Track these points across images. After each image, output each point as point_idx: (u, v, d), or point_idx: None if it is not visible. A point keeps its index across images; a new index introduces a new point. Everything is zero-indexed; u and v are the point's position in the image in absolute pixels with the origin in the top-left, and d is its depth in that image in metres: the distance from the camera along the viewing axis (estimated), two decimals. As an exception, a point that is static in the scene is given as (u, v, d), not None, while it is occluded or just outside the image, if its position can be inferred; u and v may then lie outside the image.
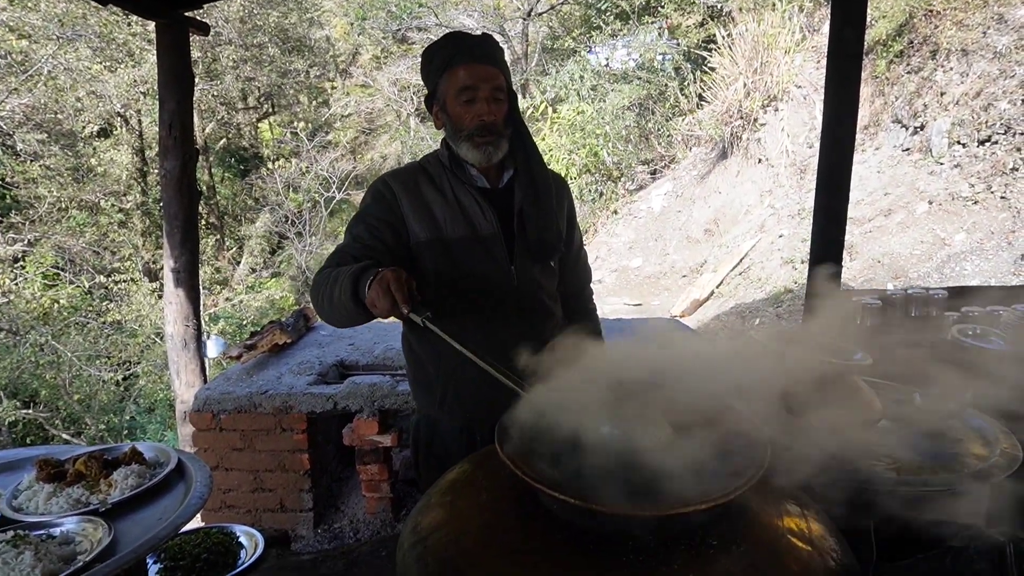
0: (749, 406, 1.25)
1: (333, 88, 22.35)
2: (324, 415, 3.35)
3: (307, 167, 18.20)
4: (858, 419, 1.50)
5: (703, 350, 1.55)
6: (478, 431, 1.89)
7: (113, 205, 14.88)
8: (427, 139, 18.13)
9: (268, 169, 18.15)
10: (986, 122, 6.76)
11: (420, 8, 15.51)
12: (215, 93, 17.21)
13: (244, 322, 12.87)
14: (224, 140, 19.37)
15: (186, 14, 3.70)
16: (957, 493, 1.38)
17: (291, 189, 18.24)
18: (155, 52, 3.70)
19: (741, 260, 8.31)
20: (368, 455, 3.34)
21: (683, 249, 9.79)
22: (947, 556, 1.06)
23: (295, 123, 19.48)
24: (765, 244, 8.25)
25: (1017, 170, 6.28)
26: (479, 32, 1.80)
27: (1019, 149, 6.37)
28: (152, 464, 1.61)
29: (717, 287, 8.22)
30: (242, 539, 1.94)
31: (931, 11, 7.91)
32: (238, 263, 17.66)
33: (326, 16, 21.21)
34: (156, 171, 17.71)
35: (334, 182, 18.21)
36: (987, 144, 6.70)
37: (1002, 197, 6.26)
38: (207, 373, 4.03)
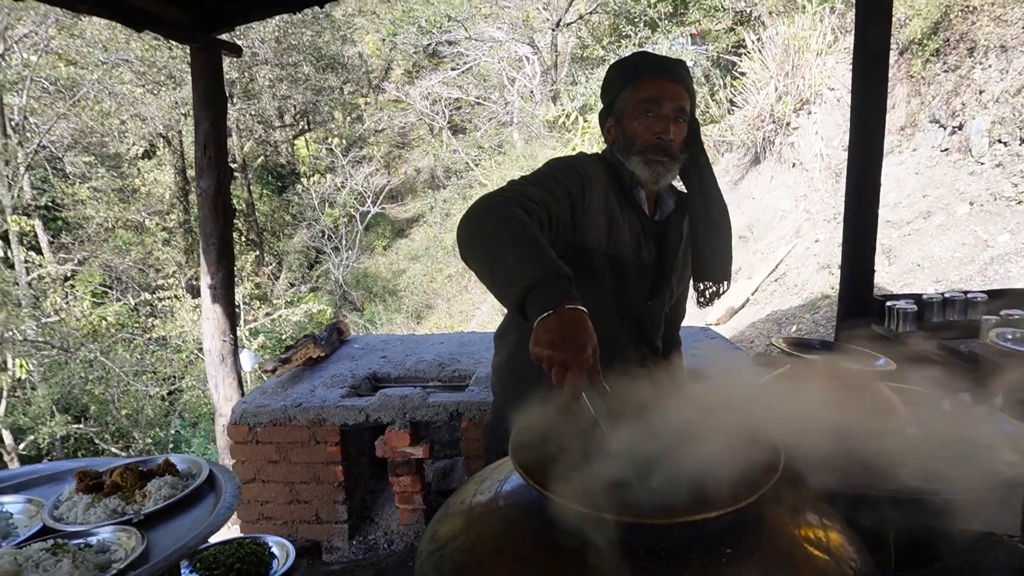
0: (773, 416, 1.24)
1: (367, 104, 22.73)
2: (356, 427, 3.40)
3: (342, 182, 18.53)
4: (881, 426, 1.49)
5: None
6: None
7: (157, 224, 15.33)
8: (460, 151, 18.32)
9: (304, 185, 18.54)
10: (1028, 119, 6.57)
11: (450, 22, 15.69)
12: (253, 112, 17.64)
13: (283, 336, 13.12)
14: (262, 158, 19.83)
15: (219, 37, 3.82)
16: (985, 501, 1.35)
17: (327, 204, 18.58)
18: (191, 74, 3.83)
19: (776, 266, 8.19)
20: (400, 467, 3.38)
21: (717, 256, 9.67)
22: (966, 564, 1.04)
23: (330, 139, 19.88)
24: (800, 250, 8.13)
25: (1062, 168, 6.09)
26: (674, 57, 1.73)
27: (1064, 146, 6.18)
28: (184, 475, 1.66)
29: (752, 294, 8.12)
30: (274, 549, 1.98)
31: (967, 7, 7.73)
32: (277, 278, 18.02)
33: (358, 33, 21.60)
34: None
35: (369, 196, 18.50)
36: (1030, 142, 6.51)
37: (1046, 196, 6.08)
38: (244, 387, 4.12)
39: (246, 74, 16.91)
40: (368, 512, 3.68)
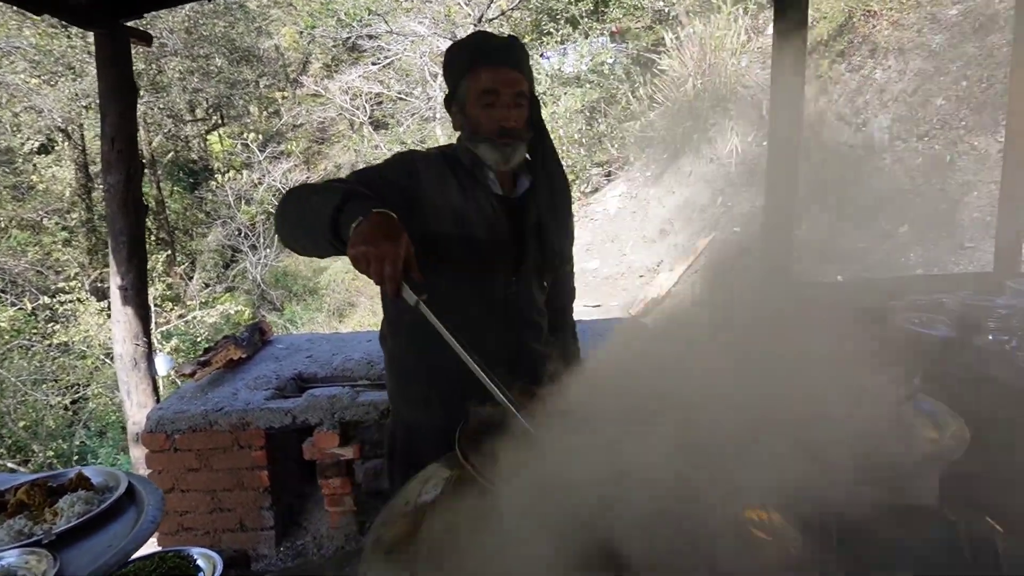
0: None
1: (284, 98, 22.00)
2: (283, 430, 3.28)
3: (259, 179, 17.90)
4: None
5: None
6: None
7: (57, 223, 14.41)
8: (382, 147, 18.00)
9: (219, 182, 17.77)
10: (923, 118, 7.00)
11: (370, 16, 15.38)
12: (161, 106, 16.83)
13: (199, 339, 12.56)
14: (172, 153, 18.96)
15: (126, 24, 3.60)
16: (911, 476, 1.41)
17: (243, 202, 17.90)
18: (95, 64, 3.59)
19: (696, 258, 8.43)
20: (330, 468, 3.29)
21: (639, 249, 9.90)
22: (903, 539, 1.08)
23: (246, 134, 19.14)
24: (719, 242, 8.39)
25: (954, 163, 6.51)
26: (506, 35, 1.75)
27: (955, 144, 6.61)
28: (100, 489, 1.55)
29: (674, 286, 8.33)
30: (200, 562, 1.88)
31: (869, 11, 8.17)
32: (190, 278, 17.25)
33: (274, 25, 20.89)
34: (100, 187, 17.26)
35: (287, 193, 17.92)
36: (925, 139, 6.94)
37: (940, 189, 6.48)
38: (159, 393, 3.91)
39: (154, 66, 16.11)
40: (296, 517, 3.56)
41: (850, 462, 1.46)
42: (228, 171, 18.30)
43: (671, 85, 10.01)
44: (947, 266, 5.57)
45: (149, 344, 3.76)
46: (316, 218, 1.27)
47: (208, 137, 21.50)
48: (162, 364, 3.77)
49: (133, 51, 3.67)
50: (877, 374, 1.81)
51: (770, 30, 9.82)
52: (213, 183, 18.16)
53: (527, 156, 1.76)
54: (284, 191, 1.41)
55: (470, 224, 1.67)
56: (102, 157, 3.64)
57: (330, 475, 3.30)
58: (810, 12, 8.68)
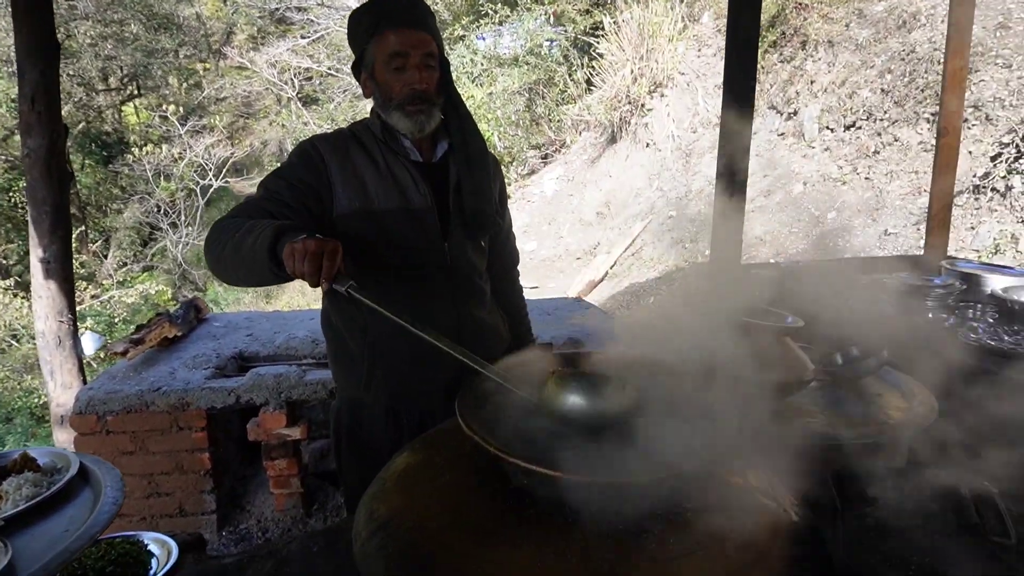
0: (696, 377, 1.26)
1: (206, 70, 21.08)
2: (225, 410, 3.13)
3: (180, 153, 17.11)
4: (794, 381, 1.55)
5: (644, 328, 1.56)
6: (405, 415, 1.80)
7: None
8: (311, 124, 17.48)
9: (135, 156, 16.87)
10: (851, 109, 7.29)
11: (301, -14, 14.84)
12: (71, 72, 15.81)
13: (115, 320, 11.94)
14: (83, 124, 17.84)
15: (45, -24, 3.33)
16: (883, 444, 1.45)
17: (163, 177, 17.08)
18: (9, 18, 3.31)
19: (633, 241, 8.56)
20: (276, 450, 3.16)
21: (576, 232, 9.97)
22: (906, 501, 1.10)
23: (164, 106, 18.21)
24: (655, 225, 8.54)
25: (879, 153, 6.81)
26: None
27: (879, 134, 6.91)
28: (48, 471, 1.42)
29: (611, 268, 8.43)
30: (152, 547, 1.76)
31: (800, 4, 8.42)
32: (105, 257, 16.35)
33: (195, -8, 19.94)
34: (3, 157, 16.09)
35: (211, 169, 17.22)
36: (852, 129, 7.23)
37: (866, 178, 6.77)
38: (85, 373, 3.67)
39: (62, 29, 15.06)
40: (238, 500, 3.42)
41: (827, 430, 1.50)
42: (145, 144, 17.41)
43: (609, 69, 10.07)
44: (873, 251, 5.83)
45: (74, 321, 3.52)
46: (254, 258, 1.31)
47: (123, 108, 20.35)
48: (89, 343, 3.54)
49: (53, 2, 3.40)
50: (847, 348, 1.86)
51: (705, 18, 10.01)
52: (129, 157, 17.24)
53: (443, 119, 1.73)
54: (210, 225, 1.46)
55: (390, 196, 1.65)
56: (20, 119, 3.36)
57: (276, 456, 3.18)
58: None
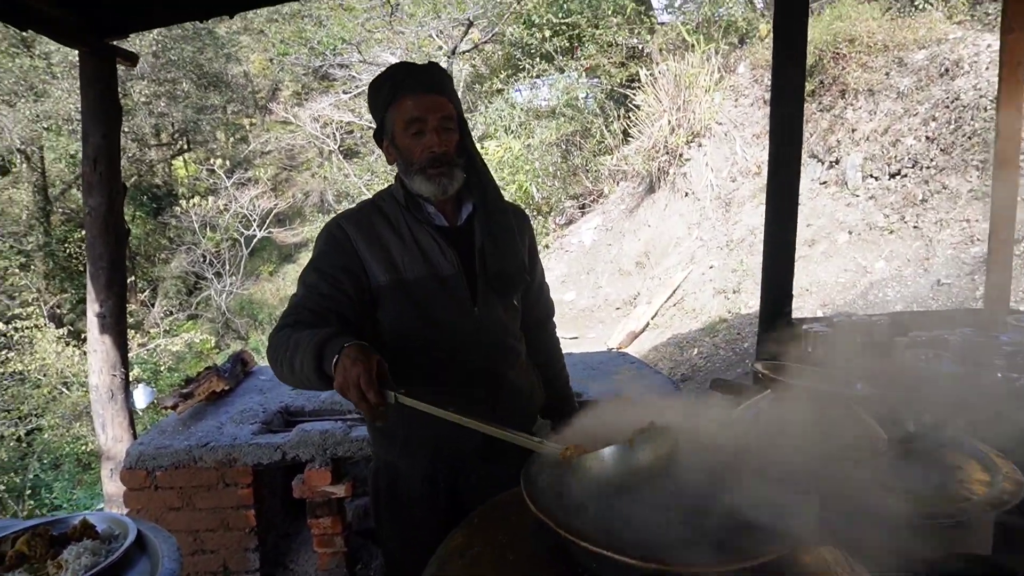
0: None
1: (252, 125, 21.85)
2: (271, 466, 3.13)
3: (225, 205, 17.62)
4: (867, 452, 1.48)
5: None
6: (441, 479, 1.80)
7: (12, 247, 13.92)
8: (351, 176, 17.91)
9: (183, 208, 17.43)
10: (895, 156, 7.19)
11: (343, 45, 15.38)
12: (126, 129, 16.50)
13: (161, 367, 12.17)
14: (135, 177, 18.56)
15: (112, 43, 3.49)
16: (968, 524, 1.37)
17: (208, 228, 17.58)
18: (78, 83, 3.46)
19: (674, 291, 8.48)
20: (321, 507, 3.13)
21: (615, 282, 9.92)
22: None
23: (212, 160, 18.87)
24: (696, 275, 8.46)
25: (927, 201, 6.68)
26: (425, 62, 1.74)
27: (926, 182, 6.79)
28: (106, 538, 1.42)
29: (652, 318, 8.34)
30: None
31: (838, 54, 8.41)
32: (152, 306, 16.77)
33: (243, 52, 20.78)
34: (60, 210, 16.76)
35: (254, 220, 17.67)
36: (897, 177, 7.12)
37: (915, 227, 6.64)
38: (135, 426, 3.72)
39: (120, 88, 15.80)
40: (282, 558, 3.39)
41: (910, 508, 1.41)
42: (193, 196, 17.98)
43: (646, 120, 10.15)
44: (926, 302, 5.67)
45: (127, 375, 3.58)
46: (310, 383, 1.37)
47: (173, 162, 21.14)
48: (141, 397, 3.59)
49: (117, 70, 3.55)
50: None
51: (741, 69, 10.07)
52: (177, 208, 17.81)
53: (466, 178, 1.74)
54: (271, 332, 1.55)
55: (416, 265, 1.67)
56: (83, 179, 3.49)
57: (320, 514, 3.15)
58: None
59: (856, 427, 1.50)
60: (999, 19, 7.77)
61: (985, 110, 6.50)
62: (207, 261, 17.18)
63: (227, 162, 18.89)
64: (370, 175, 17.63)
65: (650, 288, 9.01)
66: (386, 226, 1.69)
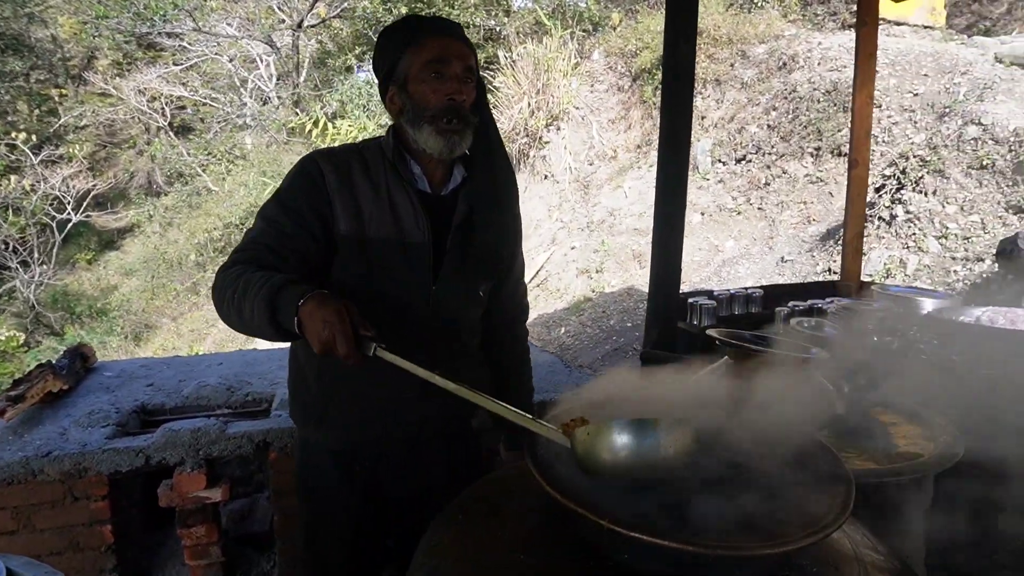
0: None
1: (63, 96, 19.42)
2: (131, 474, 2.72)
3: (32, 185, 15.61)
4: (827, 413, 1.49)
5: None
6: (358, 460, 1.63)
7: None
8: (185, 154, 16.50)
9: (-24, 187, 15.23)
10: (741, 143, 7.70)
11: (175, 11, 14.04)
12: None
13: (-46, 372, 10.57)
14: (-89, 151, 15.94)
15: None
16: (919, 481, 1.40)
17: (11, 210, 15.48)
18: None
19: (537, 272, 8.56)
20: (193, 515, 2.77)
21: (478, 264, 9.88)
22: None
23: (13, 134, 16.59)
24: (559, 256, 8.60)
25: (769, 184, 7.20)
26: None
27: (768, 167, 7.32)
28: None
29: (517, 300, 8.37)
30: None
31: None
32: (-62, 301, 14.54)
33: (50, 13, 18.41)
34: None
35: (69, 202, 15.82)
36: (743, 162, 7.62)
37: (759, 208, 7.13)
38: (-54, 438, 3.10)
39: None
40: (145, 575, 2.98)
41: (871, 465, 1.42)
42: (-11, 175, 15.74)
43: (505, 102, 10.16)
44: (772, 278, 6.10)
45: (-67, 377, 2.97)
46: (262, 330, 1.27)
47: (-38, 135, 18.38)
48: (-47, 402, 2.99)
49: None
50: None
51: (596, 55, 10.34)
52: (-30, 188, 15.51)
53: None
54: (215, 273, 1.35)
55: (384, 225, 1.49)
56: None
57: (192, 523, 2.78)
58: (635, 42, 9.22)
59: (815, 389, 1.50)
60: (825, 20, 8.54)
61: (818, 102, 7.10)
62: (10, 248, 15.18)
63: (32, 137, 16.68)
64: (206, 155, 16.35)
65: (514, 270, 9.05)
66: (363, 174, 1.51)
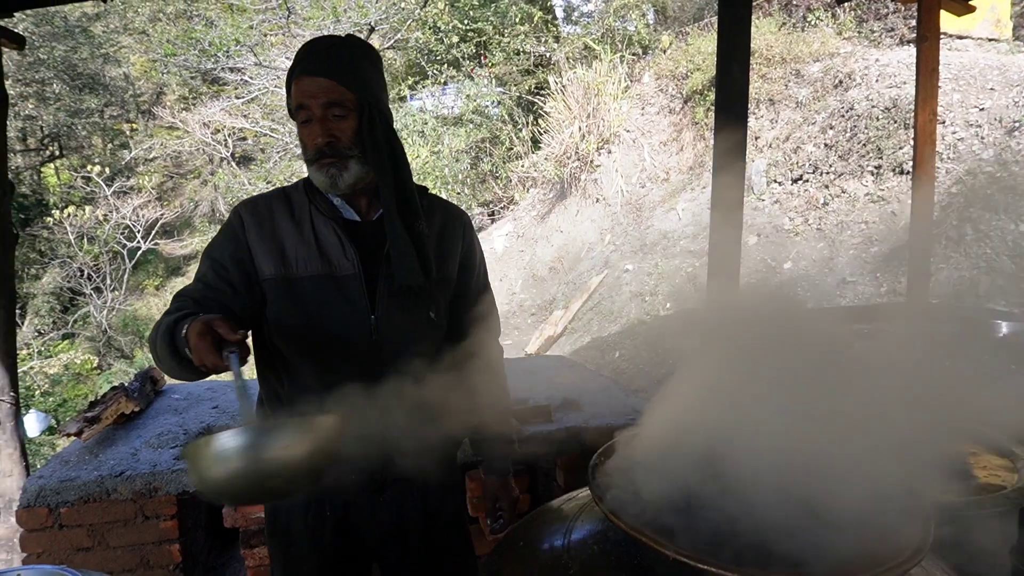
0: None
1: (134, 130, 20.42)
2: (198, 495, 2.80)
3: (105, 215, 16.36)
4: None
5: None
6: (328, 505, 1.57)
7: None
8: (246, 184, 17.08)
9: (55, 218, 16.04)
10: (797, 163, 7.55)
11: (237, 47, 14.64)
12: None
13: (35, 392, 11.05)
14: (-1, 186, 16.89)
15: (-4, 23, 3.08)
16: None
17: (86, 240, 16.25)
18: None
19: (591, 295, 8.53)
20: (256, 536, 2.83)
21: (530, 288, 9.90)
22: None
23: (88, 167, 17.49)
24: (612, 279, 8.55)
25: (827, 204, 7.04)
26: (334, 38, 1.52)
27: (826, 187, 7.16)
28: (46, 592, 1.16)
29: (570, 323, 8.35)
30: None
31: (739, 65, 8.77)
32: (21, 326, 15.29)
33: (123, 53, 19.45)
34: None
35: (138, 231, 16.51)
36: (799, 182, 7.47)
37: (818, 228, 6.97)
38: (27, 458, 3.27)
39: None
40: (209, 597, 3.05)
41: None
42: (67, 206, 16.59)
43: (556, 127, 10.23)
44: (834, 300, 5.94)
45: (17, 400, 3.14)
46: (172, 367, 1.30)
47: (42, 169, 19.46)
48: (34, 423, 3.16)
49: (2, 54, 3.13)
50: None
51: (646, 78, 10.33)
52: (49, 219, 16.37)
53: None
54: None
55: (311, 262, 1.47)
56: (-40, 176, 3.04)
57: (256, 543, 2.84)
58: (685, 64, 9.17)
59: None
60: (882, 36, 8.36)
61: (877, 119, 6.93)
62: (85, 276, 15.90)
63: (106, 169, 17.57)
64: (266, 184, 16.88)
65: (566, 293, 9.04)
66: (285, 215, 1.50)
